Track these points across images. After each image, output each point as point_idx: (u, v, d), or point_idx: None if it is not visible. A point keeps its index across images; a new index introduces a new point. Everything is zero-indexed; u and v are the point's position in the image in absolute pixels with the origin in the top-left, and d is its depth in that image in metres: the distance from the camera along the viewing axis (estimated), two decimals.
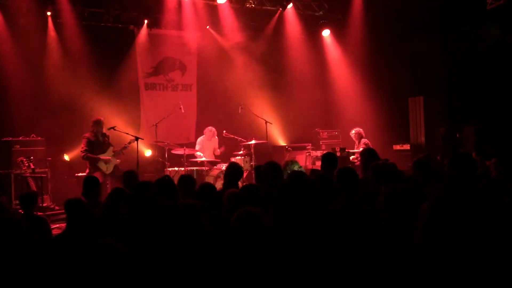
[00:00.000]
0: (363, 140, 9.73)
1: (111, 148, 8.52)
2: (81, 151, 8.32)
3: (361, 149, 9.45)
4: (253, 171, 9.20)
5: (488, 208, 2.37)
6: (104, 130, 8.51)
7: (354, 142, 10.04)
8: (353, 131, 9.89)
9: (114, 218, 4.07)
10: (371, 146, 8.96)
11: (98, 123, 8.46)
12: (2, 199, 4.46)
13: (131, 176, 5.60)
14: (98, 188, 5.39)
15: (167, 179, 4.66)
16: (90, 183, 5.30)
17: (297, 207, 2.49)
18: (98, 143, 8.43)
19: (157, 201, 3.99)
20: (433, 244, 2.23)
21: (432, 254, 2.21)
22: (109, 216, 4.22)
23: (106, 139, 8.60)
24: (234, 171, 5.22)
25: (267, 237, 2.57)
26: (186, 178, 5.09)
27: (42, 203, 7.85)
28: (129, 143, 8.42)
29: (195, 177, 8.95)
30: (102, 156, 8.35)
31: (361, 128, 9.94)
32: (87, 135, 8.39)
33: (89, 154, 8.24)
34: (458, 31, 9.27)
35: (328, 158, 5.50)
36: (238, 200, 3.86)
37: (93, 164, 8.29)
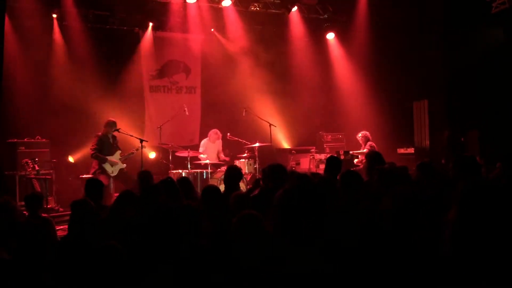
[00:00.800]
0: (369, 143, 9.73)
1: (118, 152, 8.50)
2: (91, 148, 8.25)
3: (365, 150, 9.44)
4: (256, 174, 9.24)
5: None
6: None
7: (358, 146, 10.02)
8: (359, 134, 9.90)
9: (121, 220, 4.08)
10: (376, 149, 8.94)
11: (111, 125, 8.42)
12: (5, 198, 4.44)
13: (146, 176, 5.58)
14: (101, 191, 5.34)
15: (169, 180, 4.68)
16: (93, 185, 5.26)
17: (298, 208, 2.50)
18: (108, 144, 8.39)
19: (162, 203, 4.01)
20: (466, 248, 2.20)
21: (463, 258, 2.19)
22: (116, 218, 4.22)
23: (116, 141, 8.58)
24: (232, 174, 5.16)
25: (267, 239, 2.58)
26: (183, 180, 5.11)
27: (47, 205, 7.87)
28: (137, 150, 8.41)
29: (198, 179, 9.01)
30: (110, 158, 8.31)
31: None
32: (99, 134, 8.37)
33: (98, 153, 8.20)
34: (462, 33, 9.26)
35: (332, 162, 5.52)
36: (244, 203, 3.86)
37: (99, 164, 8.25)
